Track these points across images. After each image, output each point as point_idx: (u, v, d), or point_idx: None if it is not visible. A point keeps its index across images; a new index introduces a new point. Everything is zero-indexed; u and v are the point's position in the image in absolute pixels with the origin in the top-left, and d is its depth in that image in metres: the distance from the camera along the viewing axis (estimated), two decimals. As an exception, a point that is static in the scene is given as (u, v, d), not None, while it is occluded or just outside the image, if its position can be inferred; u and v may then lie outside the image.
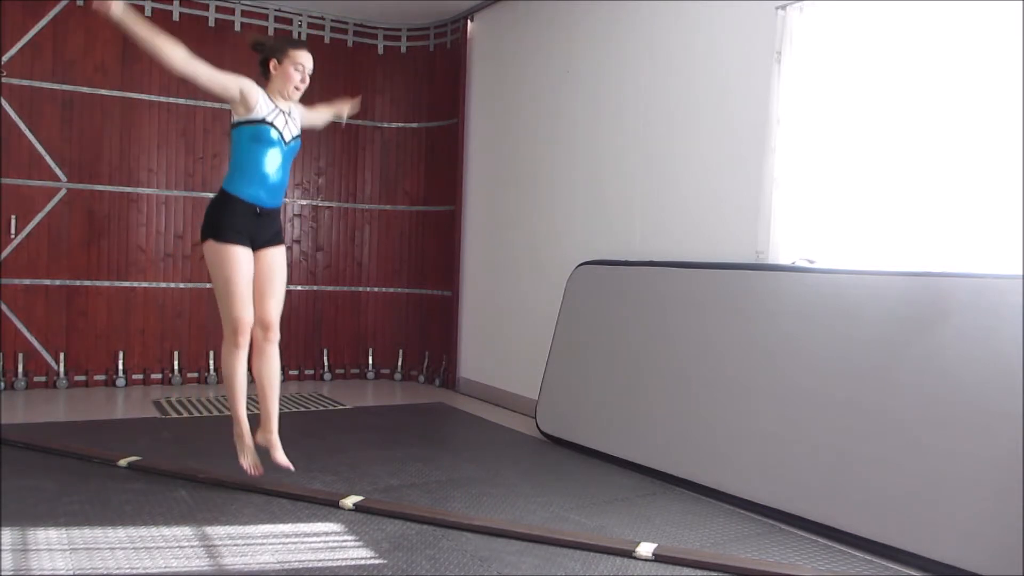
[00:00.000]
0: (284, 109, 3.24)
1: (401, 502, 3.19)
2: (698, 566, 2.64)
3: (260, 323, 3.27)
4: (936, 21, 3.09)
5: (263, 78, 3.25)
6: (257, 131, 3.14)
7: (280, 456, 3.29)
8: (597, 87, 4.80)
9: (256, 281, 3.25)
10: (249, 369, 3.31)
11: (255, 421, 3.38)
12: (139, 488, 3.27)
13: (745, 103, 3.80)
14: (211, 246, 3.17)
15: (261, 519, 2.96)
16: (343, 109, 3.71)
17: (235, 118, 3.17)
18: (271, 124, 3.16)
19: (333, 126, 6.40)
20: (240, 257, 3.16)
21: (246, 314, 3.20)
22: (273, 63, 3.21)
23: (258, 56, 3.28)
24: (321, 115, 3.66)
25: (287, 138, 3.22)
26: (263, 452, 3.34)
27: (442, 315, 6.33)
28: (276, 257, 3.32)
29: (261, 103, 3.16)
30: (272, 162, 3.20)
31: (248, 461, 3.31)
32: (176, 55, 2.95)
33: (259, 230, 3.23)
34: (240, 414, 3.32)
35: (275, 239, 3.32)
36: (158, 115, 5.83)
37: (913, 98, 3.17)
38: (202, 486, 3.32)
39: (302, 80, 3.23)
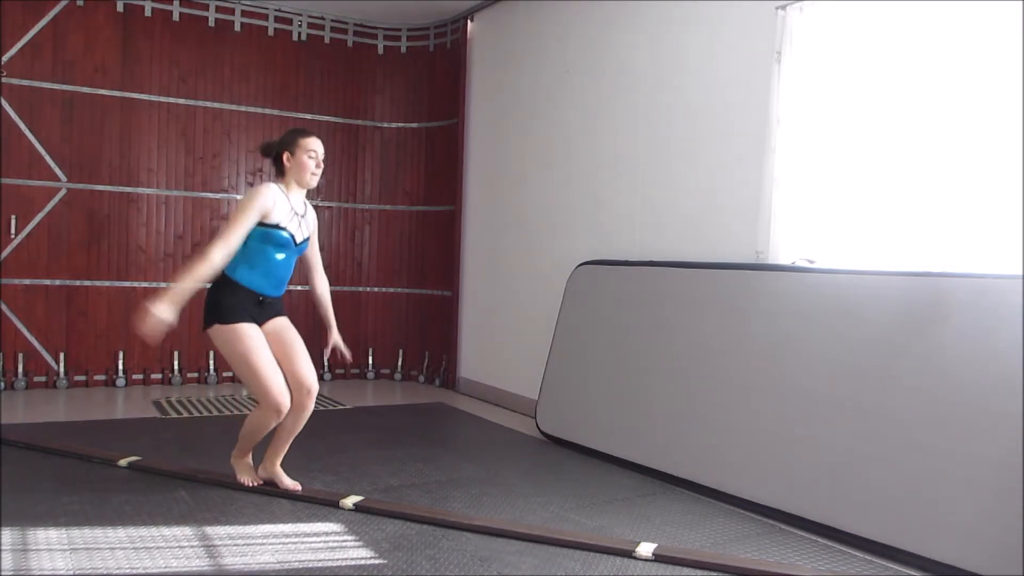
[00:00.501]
0: (299, 211, 3.21)
1: (401, 502, 3.20)
2: (698, 566, 2.64)
3: (301, 389, 3.18)
4: (936, 21, 3.09)
5: (279, 175, 3.22)
6: (270, 234, 3.11)
7: (288, 483, 3.29)
8: (597, 87, 4.80)
9: (277, 351, 3.18)
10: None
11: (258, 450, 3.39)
12: (139, 488, 3.27)
13: (745, 103, 3.80)
14: (217, 330, 3.11)
15: (261, 519, 2.96)
16: (333, 338, 3.43)
17: None
18: (284, 228, 3.13)
19: (334, 126, 6.43)
20: (250, 331, 3.11)
21: (282, 387, 3.11)
22: (286, 156, 3.18)
23: (269, 155, 3.24)
24: (324, 287, 3.46)
25: (298, 240, 3.21)
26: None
27: (442, 315, 6.33)
28: (284, 322, 3.26)
29: (278, 207, 3.11)
30: (280, 261, 3.17)
31: (248, 478, 3.32)
32: (218, 260, 2.94)
33: (261, 313, 3.18)
34: (248, 452, 3.34)
35: (278, 315, 3.26)
36: (158, 115, 5.84)
37: (913, 98, 3.17)
38: (202, 486, 3.32)
39: (317, 166, 3.20)
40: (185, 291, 2.88)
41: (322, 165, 3.23)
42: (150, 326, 2.77)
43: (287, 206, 3.16)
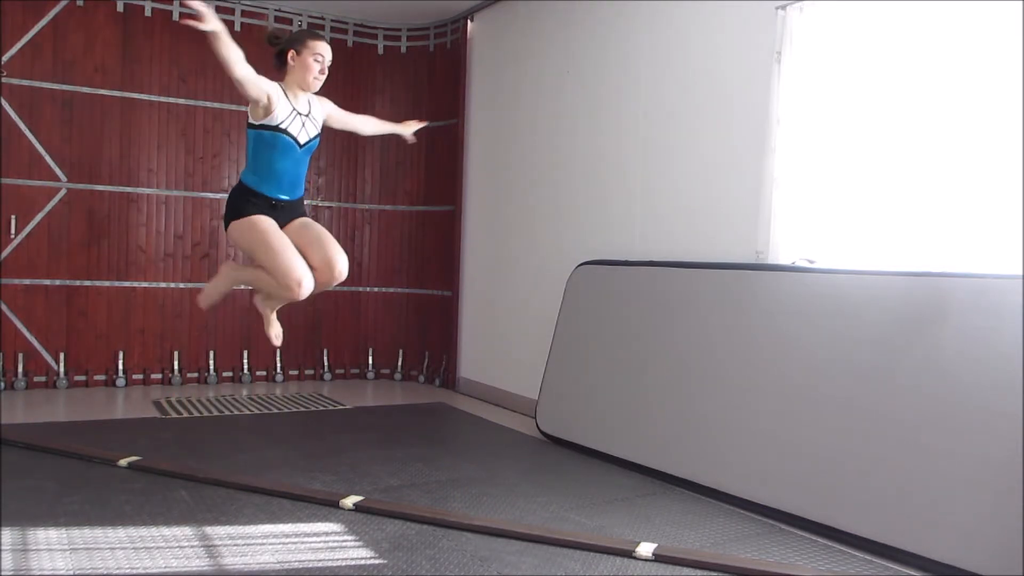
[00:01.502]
0: (302, 110, 3.17)
1: (401, 502, 3.20)
2: (698, 566, 2.64)
3: (327, 267, 3.12)
4: (936, 21, 3.09)
5: (279, 71, 3.18)
6: (272, 138, 3.09)
7: (272, 330, 3.34)
8: (597, 87, 4.80)
9: (303, 244, 3.12)
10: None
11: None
12: (139, 488, 3.27)
13: (745, 103, 3.80)
14: (235, 225, 3.13)
15: (261, 519, 2.96)
16: (403, 128, 3.65)
17: (251, 119, 3.11)
18: (285, 131, 3.10)
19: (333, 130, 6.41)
20: (263, 220, 3.09)
21: (303, 266, 3.05)
22: (291, 54, 3.14)
23: (274, 49, 3.21)
24: (368, 123, 3.59)
25: (302, 141, 3.17)
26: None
27: (442, 315, 6.33)
28: (308, 220, 3.25)
29: (280, 107, 3.08)
30: (287, 165, 3.16)
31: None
32: (241, 68, 2.86)
33: (279, 216, 3.19)
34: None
35: (299, 215, 3.26)
36: (158, 115, 5.84)
37: (913, 98, 3.17)
38: (202, 486, 3.32)
39: (321, 71, 3.17)
40: (226, 41, 2.75)
41: (326, 71, 3.18)
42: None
43: (288, 106, 3.10)
